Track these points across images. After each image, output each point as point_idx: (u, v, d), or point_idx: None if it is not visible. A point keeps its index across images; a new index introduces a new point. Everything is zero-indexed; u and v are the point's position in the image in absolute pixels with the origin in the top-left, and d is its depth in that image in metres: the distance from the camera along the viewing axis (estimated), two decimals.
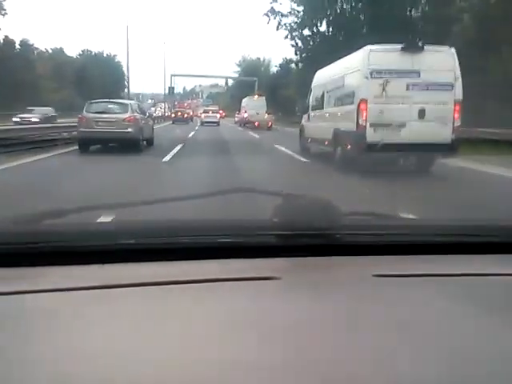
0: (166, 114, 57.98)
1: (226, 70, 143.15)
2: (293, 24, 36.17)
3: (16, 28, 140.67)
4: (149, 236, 1.02)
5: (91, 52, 77.13)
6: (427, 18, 29.59)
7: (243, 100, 39.50)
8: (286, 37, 36.52)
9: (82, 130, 13.03)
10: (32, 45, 62.91)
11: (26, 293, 0.81)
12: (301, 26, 35.78)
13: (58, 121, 27.16)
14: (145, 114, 15.83)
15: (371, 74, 8.58)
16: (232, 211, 4.06)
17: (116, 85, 71.20)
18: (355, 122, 8.69)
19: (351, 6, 33.39)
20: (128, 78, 44.71)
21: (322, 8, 33.50)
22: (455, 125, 8.82)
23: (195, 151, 14.43)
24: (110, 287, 0.84)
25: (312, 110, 12.66)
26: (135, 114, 13.51)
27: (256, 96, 38.92)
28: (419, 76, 8.61)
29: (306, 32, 35.94)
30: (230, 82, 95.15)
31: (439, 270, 0.96)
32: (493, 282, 0.94)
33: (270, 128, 32.55)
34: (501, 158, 10.07)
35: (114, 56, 78.71)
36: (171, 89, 70.46)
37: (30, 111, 31.69)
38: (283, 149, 14.50)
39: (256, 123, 33.12)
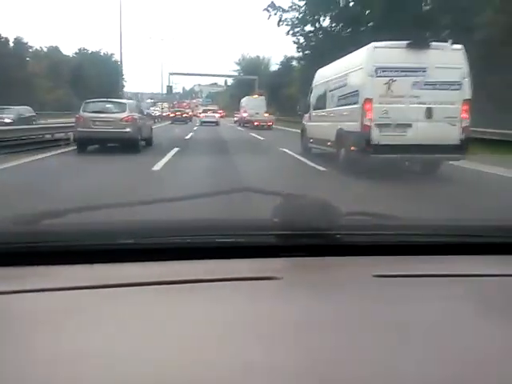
0: (164, 114, 57.77)
1: (225, 69, 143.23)
2: (294, 19, 35.65)
3: (11, 26, 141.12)
4: (148, 236, 1.03)
5: (88, 51, 77.10)
6: (442, 11, 26.72)
7: (242, 100, 39.76)
8: (288, 33, 36.12)
9: (79, 129, 13.06)
10: (26, 43, 62.88)
11: (25, 292, 0.82)
12: (303, 21, 35.24)
13: (50, 121, 25.44)
14: (143, 114, 15.86)
15: (376, 71, 8.38)
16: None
17: (113, 84, 71.06)
18: (360, 122, 8.49)
19: None
20: (121, 71, 44.18)
21: (324, 2, 32.80)
22: (464, 125, 8.65)
23: (192, 156, 12.73)
24: (109, 287, 0.85)
25: (314, 109, 12.53)
26: (133, 114, 13.51)
27: (255, 95, 39.42)
28: (426, 74, 8.42)
29: (308, 28, 35.47)
30: (230, 81, 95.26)
31: (439, 271, 0.97)
32: (493, 282, 0.95)
33: (269, 127, 32.68)
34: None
35: (112, 55, 78.64)
36: (169, 88, 70.36)
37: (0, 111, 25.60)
38: (292, 153, 13.13)
39: (256, 123, 33.25)
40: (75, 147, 13.56)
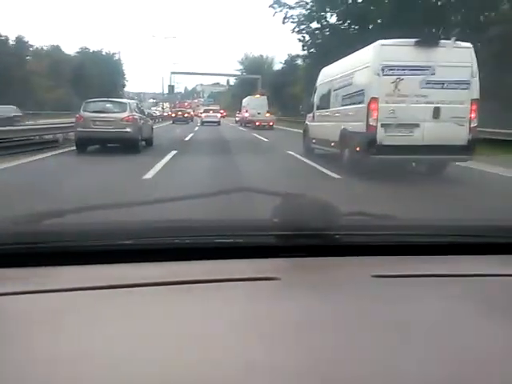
0: (165, 114, 57.69)
1: (227, 69, 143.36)
2: (300, 16, 35.13)
3: (13, 25, 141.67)
4: (148, 236, 1.04)
5: (89, 50, 77.01)
6: (453, 8, 25.69)
7: (244, 99, 40.07)
8: (293, 30, 35.54)
9: (79, 129, 13.04)
10: (27, 42, 62.95)
11: (25, 293, 0.82)
12: (309, 18, 34.68)
13: (41, 121, 23.79)
14: (144, 114, 15.85)
15: (383, 70, 8.25)
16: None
17: (115, 84, 71.04)
18: (365, 122, 8.36)
19: None
20: (122, 70, 44.12)
21: None
22: (472, 125, 8.52)
23: (190, 161, 11.43)
24: (109, 287, 0.85)
25: (317, 109, 12.43)
26: (134, 114, 13.49)
27: (257, 95, 39.54)
28: (434, 73, 8.26)
29: (315, 25, 34.89)
30: (232, 81, 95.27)
31: (438, 271, 0.98)
32: (492, 282, 0.95)
33: (271, 127, 32.93)
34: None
35: (114, 54, 78.65)
36: (171, 87, 70.18)
37: None
38: (300, 157, 12.32)
39: (257, 123, 33.48)
40: (64, 150, 13.20)
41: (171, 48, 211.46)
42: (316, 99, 12.63)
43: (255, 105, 36.20)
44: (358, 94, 8.96)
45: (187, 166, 10.54)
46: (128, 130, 12.84)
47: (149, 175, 8.41)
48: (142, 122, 14.13)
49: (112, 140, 13.08)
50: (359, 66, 9.15)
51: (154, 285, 0.87)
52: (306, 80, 34.22)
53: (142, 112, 15.43)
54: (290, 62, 56.01)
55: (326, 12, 33.83)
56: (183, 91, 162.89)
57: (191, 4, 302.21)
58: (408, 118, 8.26)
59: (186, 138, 20.63)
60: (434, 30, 21.07)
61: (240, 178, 8.42)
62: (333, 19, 34.19)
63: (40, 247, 0.97)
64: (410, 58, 8.26)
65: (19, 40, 60.45)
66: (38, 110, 42.99)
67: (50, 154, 12.75)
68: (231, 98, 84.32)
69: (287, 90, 50.09)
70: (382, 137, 8.25)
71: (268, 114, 35.39)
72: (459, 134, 8.37)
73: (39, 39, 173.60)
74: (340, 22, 33.30)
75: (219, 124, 39.46)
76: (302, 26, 35.31)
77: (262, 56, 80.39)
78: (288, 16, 35.28)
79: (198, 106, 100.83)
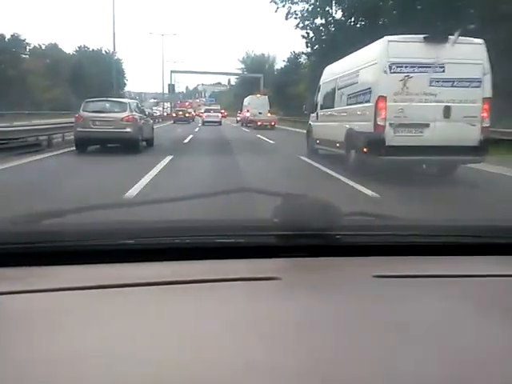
0: (165, 114, 57.64)
1: (228, 68, 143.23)
2: (304, 12, 34.79)
3: (11, 23, 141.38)
4: (148, 236, 1.05)
5: (88, 48, 76.93)
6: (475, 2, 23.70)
7: (245, 99, 40.56)
8: (297, 25, 35.23)
9: (78, 129, 13.08)
10: (24, 40, 62.90)
11: (25, 292, 0.84)
12: (313, 13, 34.36)
13: (37, 122, 21.35)
14: (144, 114, 15.90)
15: (390, 67, 8.06)
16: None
17: (115, 83, 70.92)
18: (372, 121, 8.17)
19: None
20: (122, 69, 44.21)
21: None
22: (484, 125, 8.33)
23: (188, 169, 9.93)
24: (109, 287, 0.86)
25: (321, 108, 12.30)
26: (134, 114, 13.53)
27: (258, 95, 39.81)
28: (444, 70, 8.10)
29: (319, 21, 34.55)
30: (233, 80, 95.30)
31: (439, 271, 0.99)
32: (493, 282, 0.96)
33: (272, 127, 33.29)
34: None
35: (114, 53, 78.46)
36: (171, 86, 70.01)
37: None
38: (315, 164, 10.83)
39: (258, 122, 33.82)
40: (48, 154, 12.39)
41: (172, 47, 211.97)
42: (320, 98, 12.48)
43: (256, 104, 36.51)
44: (365, 92, 8.78)
45: (182, 178, 8.67)
46: (128, 130, 12.88)
47: (134, 190, 6.75)
48: (142, 122, 14.14)
49: (112, 140, 13.13)
50: (365, 63, 8.97)
51: (155, 284, 0.88)
52: (309, 78, 33.90)
53: (142, 112, 15.50)
54: (293, 59, 55.89)
55: (331, 7, 33.43)
56: (185, 91, 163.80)
57: (192, 2, 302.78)
58: (417, 118, 8.08)
59: (186, 140, 19.21)
60: (446, 26, 19.96)
61: (249, 202, 5.66)
62: (338, 14, 33.83)
63: (39, 247, 0.98)
64: (419, 54, 8.08)
65: (15, 38, 60.42)
66: (35, 110, 42.81)
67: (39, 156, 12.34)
68: (233, 97, 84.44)
69: (290, 88, 49.90)
70: (391, 137, 8.06)
71: (269, 114, 35.77)
72: (471, 135, 8.17)
73: (37, 38, 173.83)
74: (346, 18, 32.82)
75: (220, 124, 39.98)
76: (306, 22, 34.99)
77: (263, 55, 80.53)
78: (291, 12, 35.04)
79: (199, 105, 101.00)
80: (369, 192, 7.00)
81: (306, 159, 11.93)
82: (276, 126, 34.76)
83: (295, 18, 35.17)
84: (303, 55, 42.42)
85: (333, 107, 10.99)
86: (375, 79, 8.34)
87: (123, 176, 8.66)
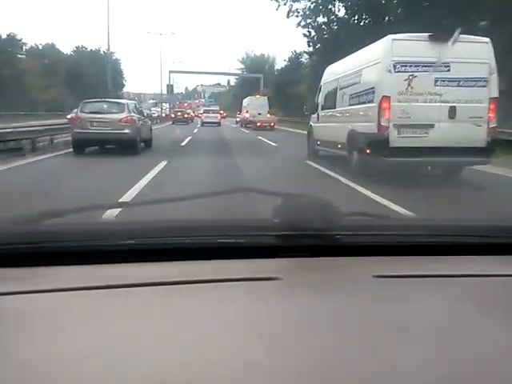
0: (164, 115, 57.62)
1: (228, 68, 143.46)
2: (306, 10, 34.28)
3: (7, 23, 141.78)
4: (149, 236, 1.06)
5: (86, 48, 76.83)
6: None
7: (244, 100, 40.97)
8: (299, 24, 34.74)
9: (76, 131, 13.17)
10: (20, 40, 62.79)
11: (26, 293, 0.84)
12: (315, 11, 33.83)
13: (32, 123, 20.41)
14: (143, 115, 16.00)
15: (394, 66, 7.97)
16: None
17: (113, 84, 70.85)
18: (376, 122, 8.07)
19: None
20: (120, 69, 44.19)
21: None
22: (490, 126, 8.25)
23: (181, 182, 8.14)
24: (109, 287, 0.87)
25: (322, 109, 12.22)
26: (132, 115, 13.58)
27: (258, 96, 40.12)
28: (449, 69, 8.01)
29: (321, 19, 34.08)
30: (232, 81, 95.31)
31: (440, 271, 1.00)
32: (493, 282, 0.97)
33: (271, 128, 33.51)
34: None
35: (112, 53, 78.47)
36: (170, 87, 69.93)
37: None
38: (328, 172, 9.57)
39: (258, 123, 34.03)
40: (27, 160, 11.32)
41: (170, 47, 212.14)
42: (321, 99, 12.41)
43: (256, 105, 36.70)
44: (368, 92, 8.68)
45: (174, 190, 7.17)
46: (126, 131, 12.93)
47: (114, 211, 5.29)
48: (140, 123, 14.18)
49: (110, 142, 13.21)
50: (368, 62, 8.87)
51: (155, 285, 0.88)
52: (311, 78, 33.69)
53: (140, 113, 15.56)
54: (295, 59, 55.86)
55: (334, 5, 32.96)
56: (184, 92, 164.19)
57: (191, 2, 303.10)
58: (422, 118, 7.99)
59: (183, 143, 18.03)
60: (452, 24, 19.31)
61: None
62: (341, 12, 33.39)
63: (40, 247, 0.99)
64: (424, 53, 7.98)
65: (11, 38, 60.31)
66: (30, 111, 42.70)
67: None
68: (232, 98, 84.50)
69: (291, 89, 49.84)
70: (395, 138, 7.96)
71: (269, 115, 35.98)
72: (477, 136, 8.08)
73: (35, 38, 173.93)
74: (349, 16, 32.38)
75: (219, 125, 40.27)
76: (308, 20, 34.53)
77: (263, 55, 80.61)
78: (292, 10, 34.49)
79: (198, 106, 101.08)
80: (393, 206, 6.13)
81: (313, 164, 11.04)
82: (276, 126, 34.81)
83: (296, 16, 34.66)
84: (305, 54, 42.16)
85: (334, 108, 10.90)
86: (379, 79, 8.23)
87: (103, 189, 7.23)
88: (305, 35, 35.66)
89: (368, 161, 8.46)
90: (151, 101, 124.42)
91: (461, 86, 8.03)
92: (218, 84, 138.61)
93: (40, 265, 0.96)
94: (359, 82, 9.31)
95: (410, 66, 7.95)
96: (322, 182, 8.48)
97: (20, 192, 6.48)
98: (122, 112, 13.31)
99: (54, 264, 0.97)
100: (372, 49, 9.04)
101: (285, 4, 34.35)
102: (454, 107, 8.00)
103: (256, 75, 59.69)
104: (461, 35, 8.24)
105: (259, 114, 35.47)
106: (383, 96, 7.99)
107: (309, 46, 36.82)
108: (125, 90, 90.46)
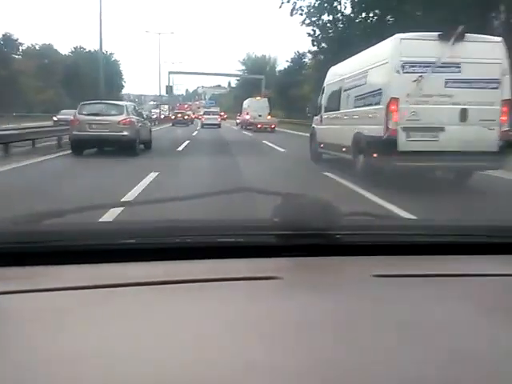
0: (162, 116, 57.62)
1: (229, 70, 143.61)
2: (310, 8, 33.89)
3: (2, 23, 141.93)
4: (149, 236, 1.08)
5: (84, 49, 76.68)
6: None
7: (245, 101, 41.34)
8: (303, 22, 34.39)
9: (74, 133, 13.38)
10: (16, 40, 62.69)
11: (26, 292, 0.86)
12: (320, 9, 33.48)
13: (25, 125, 20.23)
14: (142, 116, 16.20)
15: (403, 67, 7.77)
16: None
17: (112, 85, 70.77)
18: (383, 125, 7.87)
19: None
20: (120, 70, 44.21)
21: None
22: (503, 129, 8.04)
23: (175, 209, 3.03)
24: (109, 287, 0.88)
25: (325, 111, 12.10)
26: (131, 116, 13.77)
27: (258, 97, 40.61)
28: (460, 70, 7.81)
29: (326, 17, 33.74)
30: (233, 83, 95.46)
31: (439, 271, 1.01)
32: (493, 282, 0.98)
33: (272, 130, 33.95)
34: None
35: (111, 54, 78.50)
36: (169, 88, 69.86)
37: None
38: (351, 186, 8.19)
39: (258, 125, 34.49)
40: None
41: (171, 48, 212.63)
42: (324, 100, 12.29)
43: (256, 107, 37.05)
44: (375, 93, 8.50)
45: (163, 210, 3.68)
46: (125, 133, 13.10)
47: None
48: (139, 124, 14.33)
49: (109, 143, 13.40)
50: (375, 62, 8.68)
51: (155, 284, 0.90)
52: (314, 79, 33.36)
53: (139, 115, 15.76)
54: (297, 60, 55.75)
55: (340, 2, 32.61)
56: (184, 93, 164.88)
57: (191, 2, 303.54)
58: (432, 121, 7.78)
59: (180, 148, 16.60)
60: (464, 22, 18.41)
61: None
62: (347, 10, 33.05)
63: (40, 247, 1.00)
64: (434, 53, 7.78)
65: (7, 38, 60.22)
66: (27, 112, 42.59)
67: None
68: (233, 99, 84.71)
69: (293, 90, 49.75)
70: (403, 142, 7.75)
71: (269, 117, 36.40)
72: (488, 139, 7.87)
73: (34, 39, 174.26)
74: (355, 14, 31.97)
75: (219, 126, 40.78)
76: (313, 19, 34.14)
77: (264, 56, 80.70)
78: (296, 7, 34.13)
79: (198, 108, 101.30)
80: None
81: (335, 177, 9.22)
82: (279, 129, 34.89)
83: (300, 14, 34.31)
84: (308, 54, 41.86)
85: (338, 110, 10.73)
86: (386, 80, 8.04)
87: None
88: (309, 34, 35.36)
89: (374, 165, 8.25)
90: (151, 102, 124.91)
91: (472, 87, 7.83)
92: (219, 86, 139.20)
93: (40, 264, 0.97)
94: (365, 83, 9.12)
95: (420, 67, 7.75)
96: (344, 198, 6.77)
97: None
98: (121, 114, 13.45)
99: (54, 263, 0.98)
100: (379, 48, 8.85)
101: (288, 1, 34.01)
102: (465, 110, 7.80)
103: (257, 76, 59.67)
104: (472, 34, 8.08)
105: (260, 115, 35.80)
106: (391, 98, 7.78)
107: (313, 45, 36.53)
108: (126, 91, 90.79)
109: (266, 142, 20.43)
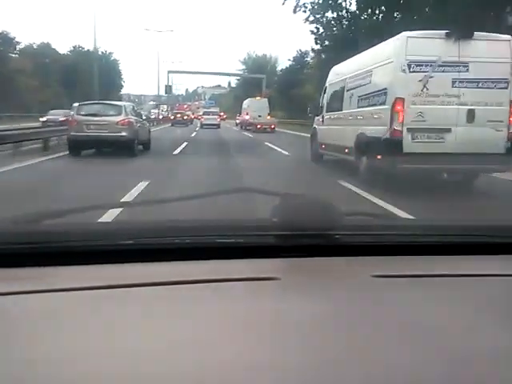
0: (161, 117, 57.72)
1: (229, 70, 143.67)
2: (314, 4, 33.66)
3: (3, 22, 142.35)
4: (149, 236, 1.09)
5: (83, 48, 76.56)
6: None
7: (244, 101, 41.81)
8: (307, 19, 34.16)
9: (72, 133, 13.39)
10: (13, 38, 62.54)
11: (25, 293, 0.86)
12: (324, 6, 33.20)
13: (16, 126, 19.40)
14: (141, 117, 16.27)
15: (409, 66, 7.65)
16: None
17: (111, 85, 70.69)
18: (388, 126, 7.76)
19: None
20: (119, 69, 44.32)
21: None
22: (511, 130, 7.91)
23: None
24: (109, 287, 0.89)
25: (327, 111, 12.00)
26: (129, 117, 13.76)
27: (258, 97, 41.06)
28: (468, 70, 7.70)
29: (330, 15, 33.43)
30: (233, 82, 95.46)
31: (439, 271, 1.02)
32: (493, 282, 0.99)
33: (272, 130, 34.12)
34: None
35: (110, 53, 78.59)
36: (169, 87, 69.74)
37: None
38: (374, 200, 7.04)
39: (258, 126, 34.64)
40: None
41: (170, 48, 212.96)
42: (326, 100, 12.19)
43: (256, 107, 37.26)
44: (379, 93, 8.38)
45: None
46: (123, 133, 13.12)
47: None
48: (138, 125, 14.34)
49: (107, 144, 13.41)
50: (380, 61, 8.56)
51: (154, 285, 0.90)
52: (317, 78, 32.90)
53: (138, 115, 15.77)
54: (300, 58, 55.59)
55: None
56: (184, 93, 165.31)
57: (192, 2, 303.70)
58: (438, 122, 7.66)
59: (176, 152, 15.36)
60: (473, 20, 17.44)
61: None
62: (352, 7, 32.78)
63: (40, 247, 1.01)
64: (440, 52, 7.67)
65: (3, 36, 60.05)
66: (25, 112, 42.46)
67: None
68: (233, 99, 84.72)
69: (296, 90, 49.56)
70: (409, 143, 7.63)
71: (269, 117, 36.62)
72: (496, 141, 7.78)
73: (32, 38, 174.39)
74: (361, 11, 31.64)
75: (219, 127, 40.92)
76: (317, 16, 33.89)
77: (265, 55, 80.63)
78: (300, 4, 33.97)
79: (198, 108, 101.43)
80: None
81: (348, 185, 8.36)
82: (280, 129, 34.82)
83: (304, 11, 34.13)
84: (311, 52, 41.53)
85: (341, 110, 10.64)
86: (392, 79, 7.92)
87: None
88: (312, 32, 35.11)
89: (378, 167, 8.12)
90: (151, 102, 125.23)
91: (480, 87, 7.72)
92: (219, 86, 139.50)
93: (40, 265, 0.98)
94: (369, 83, 9.01)
95: (426, 66, 7.63)
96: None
97: None
98: (119, 114, 13.46)
99: (54, 264, 0.99)
100: (384, 47, 8.71)
101: None
102: (473, 110, 7.69)
103: (258, 76, 59.61)
104: (481, 33, 7.97)
105: (259, 116, 35.97)
106: (396, 98, 7.66)
107: (316, 43, 36.15)
108: (126, 91, 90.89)
109: (269, 144, 19.61)
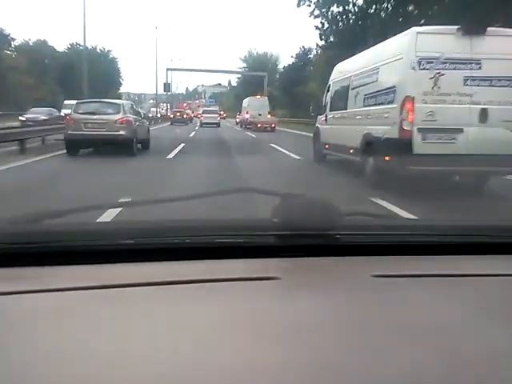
0: (159, 115, 57.87)
1: (229, 68, 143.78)
2: None
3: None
4: (148, 236, 1.11)
5: (81, 46, 76.48)
6: None
7: (244, 100, 42.32)
8: (312, 13, 33.63)
9: (69, 132, 13.41)
10: (8, 35, 62.32)
11: (25, 293, 0.87)
12: (329, 0, 32.65)
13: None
14: (140, 115, 16.25)
15: (419, 63, 7.48)
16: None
17: (110, 83, 70.61)
18: (397, 126, 7.58)
19: None
20: (118, 68, 44.39)
21: None
22: None
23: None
24: (109, 287, 0.90)
25: (331, 110, 11.87)
26: (128, 116, 13.79)
27: (258, 96, 41.37)
28: (480, 67, 7.52)
29: (336, 9, 32.87)
30: (234, 81, 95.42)
31: (439, 271, 1.04)
32: (493, 282, 1.01)
33: (272, 129, 34.40)
34: None
35: (109, 51, 78.46)
36: (167, 85, 69.58)
37: None
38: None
39: (258, 124, 34.93)
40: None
41: (169, 45, 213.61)
42: (329, 99, 12.04)
43: (256, 106, 37.72)
44: (388, 92, 8.21)
45: None
46: (122, 132, 13.13)
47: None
48: (137, 124, 14.34)
49: (105, 143, 13.35)
50: (389, 58, 8.39)
51: (154, 284, 0.91)
52: (322, 76, 32.25)
53: (137, 113, 15.80)
54: (303, 55, 55.40)
55: None
56: (184, 92, 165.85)
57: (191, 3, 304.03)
58: (450, 122, 7.48)
59: (170, 156, 13.65)
60: (487, 15, 16.89)
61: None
62: (359, 1, 32.26)
63: (39, 247, 1.02)
64: (452, 49, 7.51)
65: None
66: (19, 110, 42.16)
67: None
68: (233, 98, 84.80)
69: (299, 87, 49.36)
70: (419, 144, 7.45)
71: (269, 116, 36.94)
72: (510, 142, 7.56)
73: (30, 36, 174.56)
74: (368, 4, 31.18)
75: (219, 126, 41.42)
76: (322, 10, 33.36)
77: (266, 53, 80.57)
78: None
79: (198, 106, 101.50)
80: None
81: (385, 204, 6.81)
82: (282, 129, 34.78)
83: (308, 5, 33.60)
84: (316, 48, 41.25)
85: (346, 109, 10.49)
86: (401, 77, 7.75)
87: None
88: (317, 27, 34.59)
89: (386, 168, 7.95)
90: (151, 101, 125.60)
91: (493, 85, 7.55)
92: (219, 84, 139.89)
93: (40, 265, 0.99)
94: (377, 81, 8.85)
95: (437, 63, 7.46)
96: None
97: None
98: (118, 113, 13.49)
99: (54, 264, 1.00)
100: (393, 43, 8.55)
101: None
102: (486, 110, 7.51)
103: (260, 73, 59.49)
104: (494, 28, 7.86)
105: (259, 114, 36.34)
106: (406, 96, 7.48)
107: (321, 39, 35.65)
108: (126, 90, 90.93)
109: (275, 146, 18.02)
